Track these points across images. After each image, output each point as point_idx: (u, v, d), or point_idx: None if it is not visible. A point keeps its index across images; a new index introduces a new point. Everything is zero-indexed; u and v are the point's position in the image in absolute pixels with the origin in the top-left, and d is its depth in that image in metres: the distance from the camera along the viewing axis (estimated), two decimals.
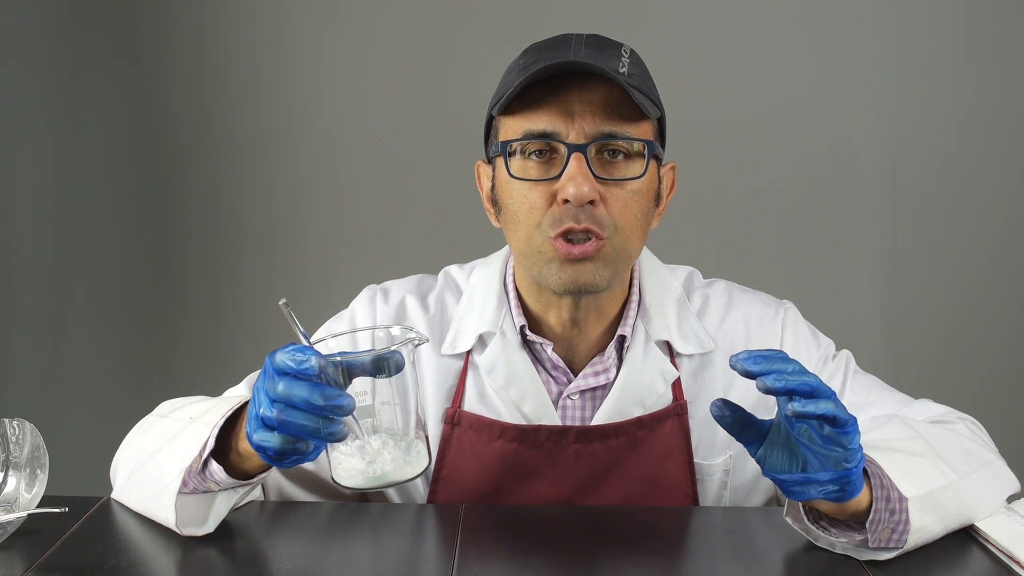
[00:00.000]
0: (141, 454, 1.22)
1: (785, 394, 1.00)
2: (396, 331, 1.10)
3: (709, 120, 2.59)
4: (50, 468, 1.22)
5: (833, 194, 2.63)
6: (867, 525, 1.09)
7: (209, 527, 1.15)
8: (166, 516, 1.14)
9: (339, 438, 0.99)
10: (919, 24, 2.59)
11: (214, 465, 1.14)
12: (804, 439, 1.04)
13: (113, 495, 1.26)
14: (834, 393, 1.02)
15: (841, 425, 1.01)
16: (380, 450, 1.03)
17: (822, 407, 1.00)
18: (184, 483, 1.13)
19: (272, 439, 1.00)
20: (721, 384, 1.33)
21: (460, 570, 1.09)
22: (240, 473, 1.15)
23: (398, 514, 1.25)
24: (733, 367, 1.01)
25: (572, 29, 1.30)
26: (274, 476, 1.32)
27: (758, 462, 1.08)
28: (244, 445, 1.12)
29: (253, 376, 1.36)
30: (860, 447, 1.04)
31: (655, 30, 2.57)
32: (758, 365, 1.00)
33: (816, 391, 1.00)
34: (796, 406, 1.00)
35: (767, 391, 1.00)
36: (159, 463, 1.17)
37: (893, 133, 2.61)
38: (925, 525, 1.11)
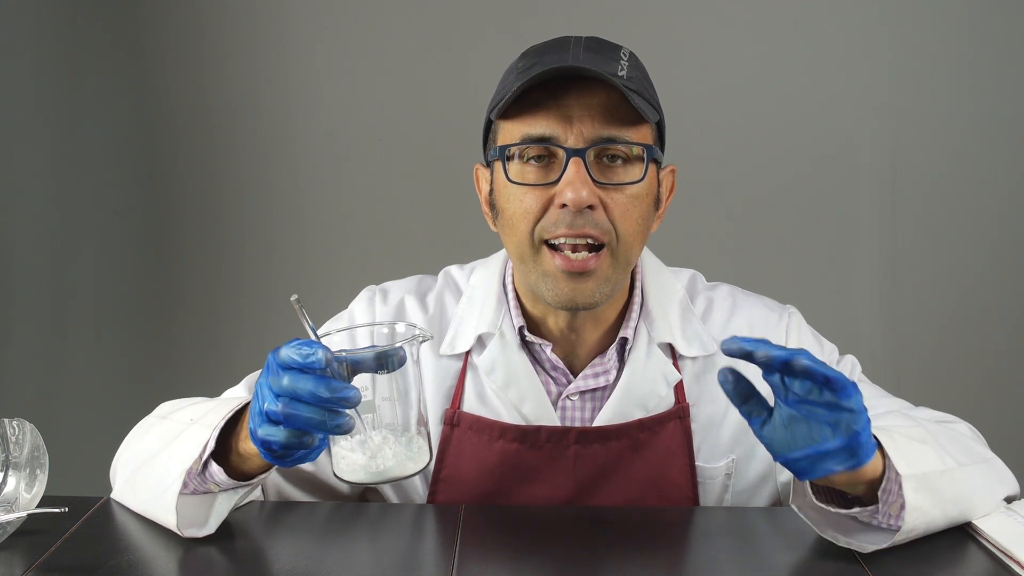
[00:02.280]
0: (141, 456, 1.22)
1: (785, 362, 0.98)
2: (400, 327, 1.11)
3: (708, 122, 2.59)
4: (50, 468, 1.22)
5: (833, 195, 2.63)
6: (879, 494, 1.09)
7: (210, 528, 1.15)
8: (167, 518, 1.14)
9: (345, 430, 0.99)
10: (919, 24, 2.58)
11: (214, 467, 1.14)
12: (807, 414, 1.02)
13: (113, 495, 1.27)
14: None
15: (841, 388, 0.99)
16: (381, 445, 1.03)
17: (822, 367, 0.99)
18: (184, 484, 1.14)
19: (277, 433, 1.00)
20: None
21: (460, 570, 1.09)
22: (240, 474, 1.16)
23: (398, 514, 1.25)
24: (728, 350, 0.99)
25: (572, 31, 1.29)
26: (273, 478, 1.32)
27: (767, 448, 1.06)
28: (244, 446, 1.12)
29: (252, 376, 1.36)
30: (864, 408, 1.02)
31: (654, 32, 2.57)
32: (751, 344, 0.99)
33: (814, 360, 0.99)
34: (804, 360, 0.98)
35: (767, 361, 0.98)
36: (159, 464, 1.17)
37: (893, 134, 2.61)
38: (922, 505, 1.10)
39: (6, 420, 1.22)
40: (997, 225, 2.63)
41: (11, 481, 1.20)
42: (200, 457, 1.14)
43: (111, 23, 2.59)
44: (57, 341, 2.69)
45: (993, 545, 1.15)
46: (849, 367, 1.37)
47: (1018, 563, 1.11)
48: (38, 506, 1.19)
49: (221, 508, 1.17)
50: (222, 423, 1.14)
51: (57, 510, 1.16)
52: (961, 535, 1.19)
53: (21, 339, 2.65)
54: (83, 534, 1.17)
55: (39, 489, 1.21)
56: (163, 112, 2.63)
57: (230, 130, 2.64)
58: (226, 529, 1.18)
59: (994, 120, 2.60)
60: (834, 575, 1.08)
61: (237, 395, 1.34)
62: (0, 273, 2.62)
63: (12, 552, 1.11)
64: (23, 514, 1.14)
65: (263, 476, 1.18)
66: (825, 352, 1.37)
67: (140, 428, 1.28)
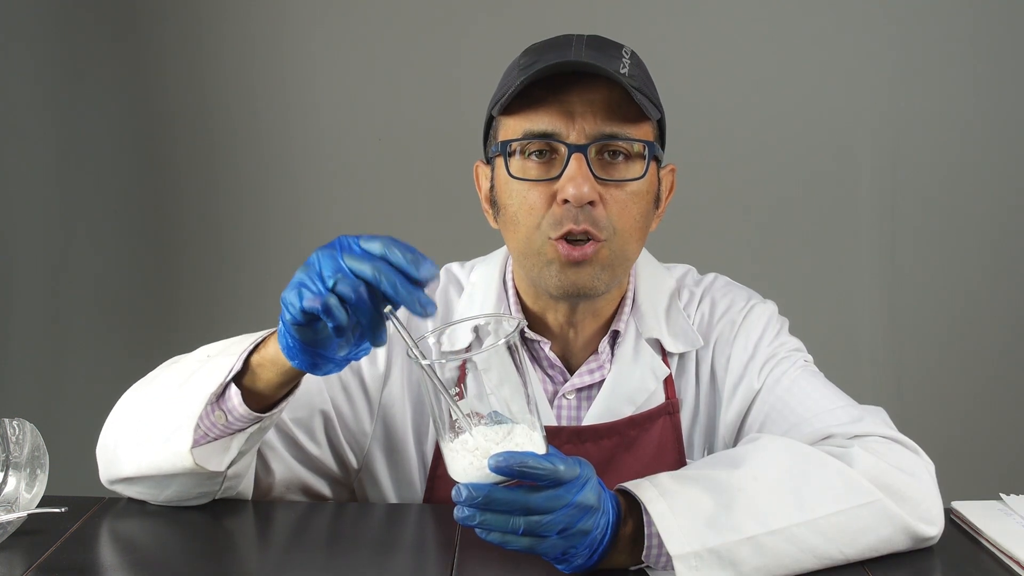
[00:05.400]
0: (160, 389, 1.19)
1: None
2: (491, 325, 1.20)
3: (709, 123, 2.59)
4: (50, 468, 1.22)
5: (834, 197, 2.63)
6: (642, 557, 1.07)
7: (222, 465, 1.15)
8: (183, 436, 1.13)
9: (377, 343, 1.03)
10: (920, 27, 2.58)
11: (232, 391, 1.13)
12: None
13: (107, 460, 1.23)
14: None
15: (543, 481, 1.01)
16: (483, 443, 1.01)
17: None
18: (196, 427, 1.13)
19: (334, 305, 1.02)
20: (707, 379, 1.33)
21: (460, 570, 1.09)
22: (253, 397, 1.14)
23: (398, 514, 1.25)
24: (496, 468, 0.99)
25: (573, 30, 1.30)
26: (289, 464, 1.30)
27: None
28: (262, 355, 1.12)
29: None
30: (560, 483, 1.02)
31: (655, 32, 2.57)
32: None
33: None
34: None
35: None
36: (177, 400, 1.16)
37: (894, 138, 2.61)
38: None
39: (6, 420, 1.22)
40: (998, 230, 2.63)
41: (11, 481, 1.20)
42: (223, 381, 1.13)
43: (110, 21, 2.59)
44: (57, 341, 2.69)
45: (993, 545, 1.15)
46: (788, 370, 1.30)
47: (1018, 563, 1.11)
48: (38, 506, 1.19)
49: (233, 450, 1.16)
50: (251, 347, 1.14)
51: (57, 510, 1.16)
52: (961, 536, 1.19)
53: (21, 339, 2.65)
54: (83, 534, 1.17)
55: (39, 489, 1.21)
56: (162, 112, 2.63)
57: (230, 130, 2.63)
58: (226, 530, 1.18)
59: (995, 126, 2.60)
60: (834, 574, 1.08)
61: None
62: (0, 273, 2.62)
63: (12, 552, 1.11)
64: (23, 514, 1.14)
65: (274, 412, 1.16)
66: (772, 346, 1.32)
67: (138, 387, 1.25)
